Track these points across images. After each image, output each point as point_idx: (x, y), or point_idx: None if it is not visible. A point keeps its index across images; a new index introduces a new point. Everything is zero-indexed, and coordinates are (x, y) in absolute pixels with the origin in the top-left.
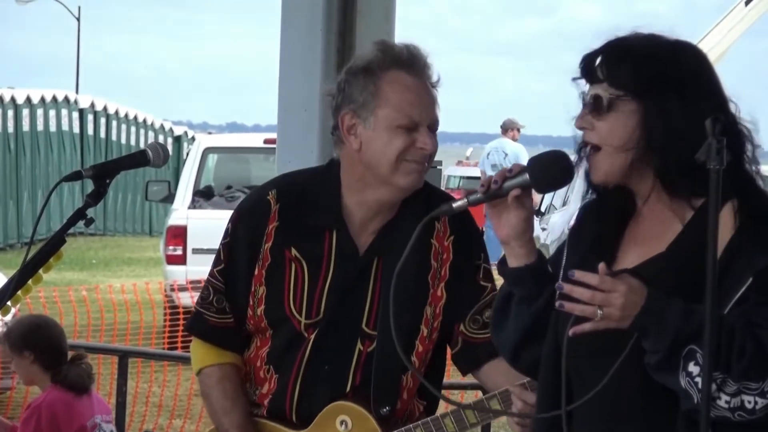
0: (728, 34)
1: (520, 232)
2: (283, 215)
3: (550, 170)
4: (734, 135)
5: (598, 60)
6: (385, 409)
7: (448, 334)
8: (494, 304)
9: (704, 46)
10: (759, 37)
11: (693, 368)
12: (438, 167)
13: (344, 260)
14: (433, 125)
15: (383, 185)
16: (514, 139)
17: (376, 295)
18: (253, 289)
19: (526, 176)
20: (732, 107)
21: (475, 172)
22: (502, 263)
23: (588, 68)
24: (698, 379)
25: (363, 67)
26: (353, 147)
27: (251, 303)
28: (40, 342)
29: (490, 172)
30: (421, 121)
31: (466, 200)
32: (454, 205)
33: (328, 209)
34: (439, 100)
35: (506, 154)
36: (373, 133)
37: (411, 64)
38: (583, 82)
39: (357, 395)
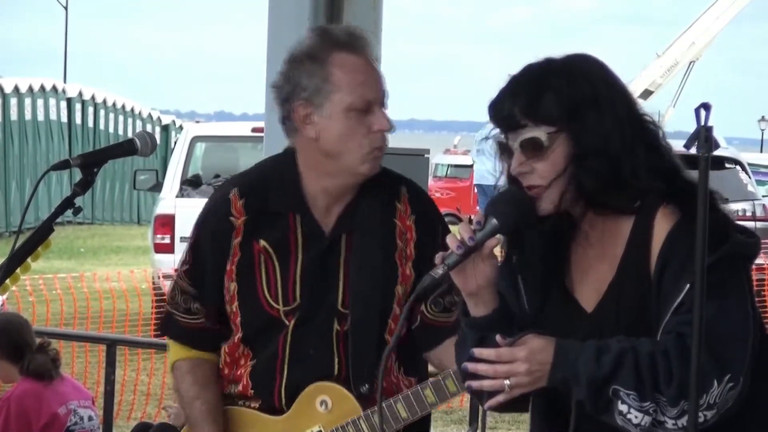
0: (716, 21)
1: (492, 280)
2: (249, 208)
3: (515, 210)
4: (646, 128)
5: (513, 104)
6: (364, 387)
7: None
8: (463, 355)
9: (692, 34)
10: (746, 25)
11: (622, 407)
12: (426, 155)
13: (312, 243)
14: (384, 101)
15: (345, 173)
16: None
17: (346, 274)
18: (226, 285)
19: (494, 221)
20: (637, 102)
21: (463, 160)
22: (465, 315)
23: (503, 115)
24: (630, 416)
25: (307, 54)
26: (310, 136)
27: (227, 299)
28: (2, 339)
29: (476, 157)
30: (375, 99)
31: (445, 266)
32: (436, 275)
33: (290, 194)
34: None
35: (486, 138)
36: (330, 121)
37: (352, 44)
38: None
39: (344, 376)
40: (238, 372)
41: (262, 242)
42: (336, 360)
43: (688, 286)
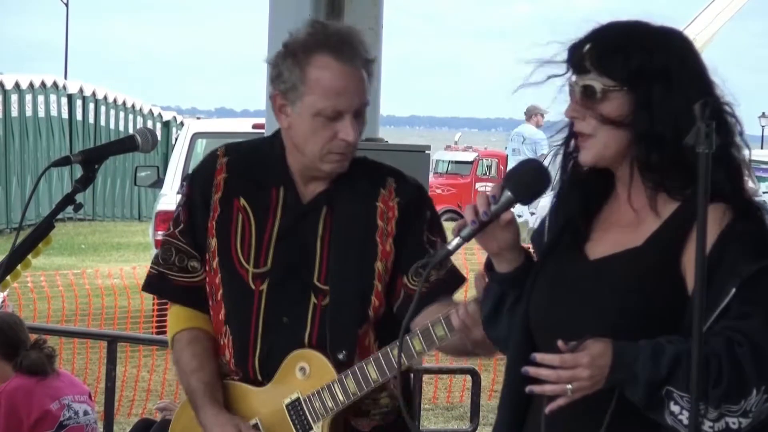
0: (716, 18)
1: (513, 244)
2: (231, 167)
3: (529, 181)
4: (722, 122)
5: (586, 50)
6: (341, 354)
7: (392, 288)
8: (485, 304)
9: (692, 31)
10: (747, 22)
11: (674, 408)
12: (426, 152)
13: (290, 211)
14: (360, 109)
15: (310, 166)
16: (537, 125)
17: (325, 247)
18: (208, 241)
19: (509, 194)
20: (718, 92)
21: (463, 156)
22: (490, 269)
23: (575, 58)
24: (681, 417)
25: (294, 47)
26: (284, 125)
27: (207, 257)
28: None
29: (511, 156)
30: (347, 109)
31: (459, 238)
32: (450, 246)
33: (274, 167)
34: (368, 81)
35: (524, 139)
36: (299, 118)
37: (340, 48)
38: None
39: (317, 345)
40: (222, 342)
41: (242, 201)
42: (308, 330)
43: (734, 290)
